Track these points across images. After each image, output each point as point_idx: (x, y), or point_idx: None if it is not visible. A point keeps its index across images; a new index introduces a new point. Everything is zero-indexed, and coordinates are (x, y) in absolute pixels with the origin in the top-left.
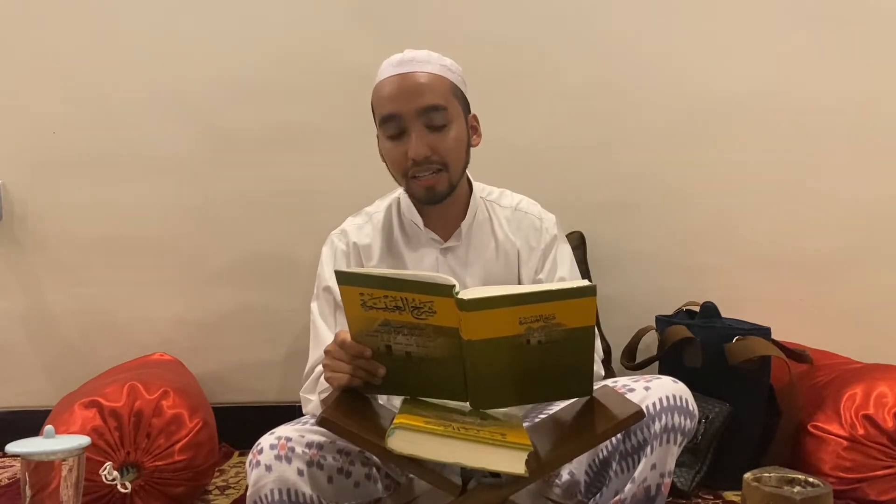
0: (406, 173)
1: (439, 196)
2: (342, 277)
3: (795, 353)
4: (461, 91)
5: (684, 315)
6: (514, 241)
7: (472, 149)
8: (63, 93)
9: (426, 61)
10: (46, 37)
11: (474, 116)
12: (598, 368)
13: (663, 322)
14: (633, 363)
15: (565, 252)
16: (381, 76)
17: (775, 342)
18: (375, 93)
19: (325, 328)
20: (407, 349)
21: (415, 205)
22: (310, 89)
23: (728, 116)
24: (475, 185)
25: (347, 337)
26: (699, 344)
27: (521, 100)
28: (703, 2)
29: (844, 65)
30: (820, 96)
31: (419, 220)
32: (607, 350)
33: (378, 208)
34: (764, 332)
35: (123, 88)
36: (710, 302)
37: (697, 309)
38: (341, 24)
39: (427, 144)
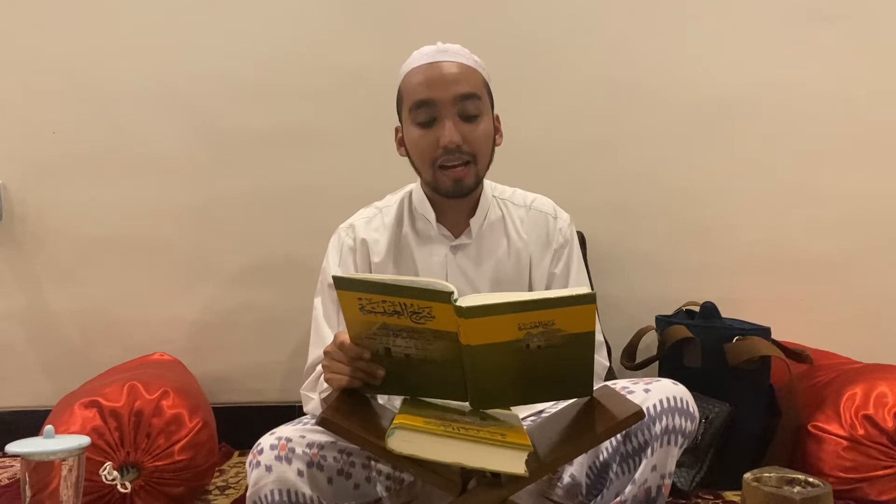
0: (435, 162)
1: (466, 189)
2: (340, 283)
3: (795, 353)
4: (489, 88)
5: (684, 315)
6: (526, 242)
7: (495, 148)
8: (63, 93)
9: (460, 53)
10: (47, 37)
11: (497, 116)
12: (603, 359)
13: (663, 322)
14: (633, 363)
15: (576, 255)
16: (412, 64)
17: (775, 342)
18: (407, 80)
19: (327, 325)
20: (406, 351)
21: (428, 199)
22: (310, 89)
23: (728, 117)
24: (486, 183)
25: (346, 338)
26: (699, 344)
27: (522, 100)
28: (703, 2)
29: (844, 65)
30: (820, 96)
31: (431, 216)
32: (608, 350)
33: (389, 202)
34: (764, 332)
35: (123, 88)
36: (710, 302)
37: (697, 309)
38: (342, 24)
39: (460, 133)
